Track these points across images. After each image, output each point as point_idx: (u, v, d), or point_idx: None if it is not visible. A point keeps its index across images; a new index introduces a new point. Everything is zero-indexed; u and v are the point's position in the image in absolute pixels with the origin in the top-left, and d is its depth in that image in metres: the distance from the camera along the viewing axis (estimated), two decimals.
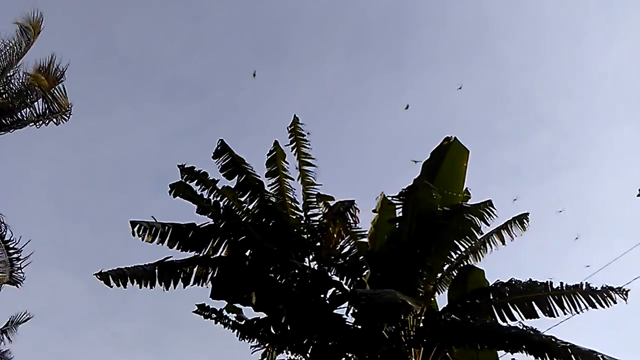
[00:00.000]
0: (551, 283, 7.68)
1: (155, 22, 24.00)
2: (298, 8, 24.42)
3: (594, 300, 7.41)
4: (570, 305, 7.45)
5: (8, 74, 10.40)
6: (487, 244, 8.41)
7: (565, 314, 7.46)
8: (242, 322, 7.71)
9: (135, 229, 7.36)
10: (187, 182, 8.06)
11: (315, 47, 25.86)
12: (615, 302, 7.41)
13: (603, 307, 7.42)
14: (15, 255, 9.27)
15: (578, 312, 7.45)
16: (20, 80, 10.39)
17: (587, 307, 7.42)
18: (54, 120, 10.10)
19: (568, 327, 8.18)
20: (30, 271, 9.69)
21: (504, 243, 8.35)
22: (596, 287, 7.47)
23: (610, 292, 7.41)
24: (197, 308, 8.11)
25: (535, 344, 6.72)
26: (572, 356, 6.63)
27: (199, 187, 8.13)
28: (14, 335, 13.14)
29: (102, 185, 23.64)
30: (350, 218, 8.37)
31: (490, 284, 8.11)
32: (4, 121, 10.62)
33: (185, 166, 8.10)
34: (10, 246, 9.37)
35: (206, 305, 8.09)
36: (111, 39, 23.30)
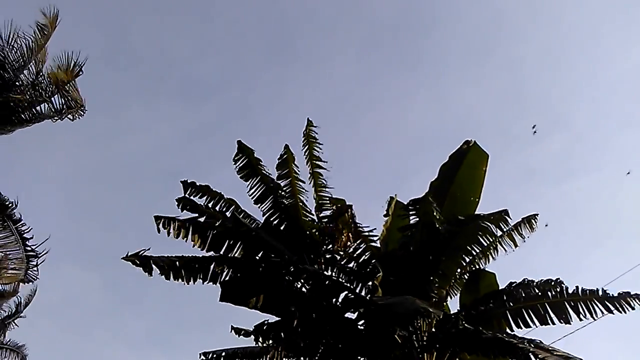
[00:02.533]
0: (566, 288, 7.51)
1: (170, 22, 24.15)
2: (310, 8, 24.37)
3: (611, 306, 7.23)
4: (586, 311, 7.28)
5: (27, 69, 10.52)
6: (498, 246, 8.29)
7: (580, 320, 7.30)
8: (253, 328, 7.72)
9: (160, 224, 7.42)
10: (192, 197, 8.24)
11: (328, 46, 25.80)
12: (633, 309, 7.24)
13: (620, 312, 7.24)
14: (31, 253, 9.34)
15: (595, 319, 7.27)
16: (40, 76, 10.51)
17: (603, 313, 7.24)
18: (70, 116, 10.17)
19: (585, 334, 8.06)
20: (43, 266, 9.81)
21: (515, 245, 8.24)
22: (613, 293, 7.30)
23: (628, 298, 7.23)
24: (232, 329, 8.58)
25: None
26: None
27: (204, 199, 8.31)
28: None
29: (117, 182, 23.89)
30: (350, 220, 8.35)
31: (504, 286, 8.02)
32: (23, 116, 10.76)
33: (188, 181, 8.33)
34: (28, 243, 9.45)
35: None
36: (126, 37, 23.52)
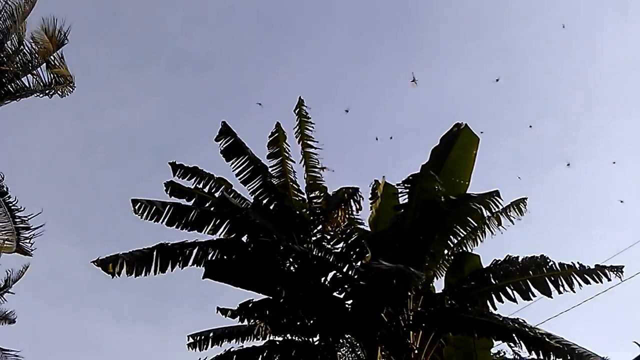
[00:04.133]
0: (547, 259, 7.73)
1: None
2: None
3: (589, 278, 7.47)
4: (565, 283, 7.51)
5: (11, 37, 10.21)
6: (486, 229, 8.44)
7: (559, 292, 7.52)
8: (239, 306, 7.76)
9: (137, 207, 7.37)
10: (181, 178, 8.19)
11: (323, 25, 25.46)
12: (609, 279, 7.47)
13: (597, 282, 7.49)
14: (22, 225, 9.23)
15: (574, 290, 7.52)
16: (22, 44, 10.19)
17: (580, 285, 7.49)
18: (59, 92, 9.94)
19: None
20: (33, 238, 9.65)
21: (500, 224, 8.38)
22: (590, 266, 7.53)
23: (605, 269, 7.47)
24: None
25: (529, 339, 6.75)
26: (568, 355, 6.67)
27: (193, 179, 8.21)
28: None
29: (105, 157, 23.67)
30: (354, 205, 8.34)
31: (489, 265, 8.15)
32: (9, 87, 10.51)
33: (176, 163, 8.25)
34: (17, 215, 9.33)
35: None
36: (116, 9, 22.95)
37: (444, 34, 23.46)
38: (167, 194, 8.21)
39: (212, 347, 8.41)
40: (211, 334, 8.49)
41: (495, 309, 7.69)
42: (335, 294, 7.77)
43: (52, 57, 9.92)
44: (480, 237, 8.50)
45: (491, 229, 8.47)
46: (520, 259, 7.94)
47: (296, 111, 8.69)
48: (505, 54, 23.52)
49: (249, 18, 24.34)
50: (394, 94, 23.46)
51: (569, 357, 6.63)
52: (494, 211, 8.10)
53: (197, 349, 8.37)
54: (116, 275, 6.85)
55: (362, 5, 24.25)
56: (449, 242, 8.11)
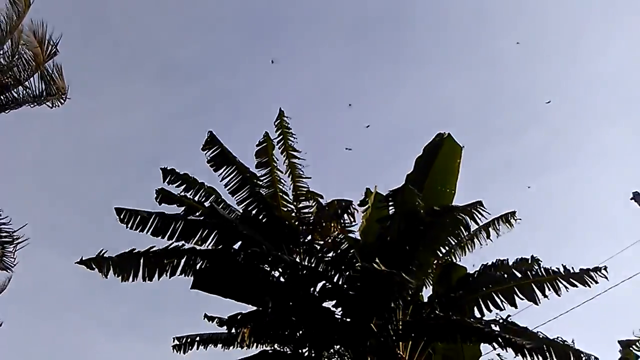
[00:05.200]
0: (537, 260, 8.05)
1: (150, 2, 23.64)
2: None
3: (575, 282, 7.63)
4: (552, 288, 7.65)
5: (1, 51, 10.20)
6: (474, 240, 8.56)
7: (545, 297, 7.66)
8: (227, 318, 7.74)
9: (122, 216, 7.35)
10: (171, 185, 8.16)
11: (313, 36, 25.67)
12: (596, 282, 7.65)
13: (584, 286, 7.65)
14: (7, 240, 9.07)
15: (559, 295, 7.67)
16: (15, 56, 10.17)
17: (567, 289, 7.65)
18: (49, 103, 9.89)
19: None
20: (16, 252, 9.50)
21: (488, 237, 8.52)
22: (575, 270, 7.68)
23: (590, 272, 7.62)
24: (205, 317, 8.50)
25: (516, 344, 6.82)
26: (552, 354, 6.75)
27: (183, 187, 8.21)
28: None
29: (93, 167, 23.43)
30: (348, 217, 8.39)
31: (477, 269, 8.35)
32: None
33: (167, 168, 8.23)
34: (2, 228, 9.19)
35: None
36: (105, 17, 22.92)
37: (433, 44, 23.79)
38: (157, 201, 8.15)
39: (197, 349, 8.34)
40: (197, 338, 8.46)
41: (482, 316, 7.79)
42: (324, 304, 7.81)
43: (44, 67, 9.91)
44: (469, 247, 8.60)
45: (480, 240, 8.59)
46: (510, 262, 8.16)
47: (277, 123, 8.69)
48: (493, 63, 23.82)
49: (239, 28, 24.49)
50: (383, 101, 23.64)
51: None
52: (481, 223, 8.21)
53: (182, 351, 8.33)
54: (103, 275, 6.83)
55: (351, 15, 24.53)
56: (436, 252, 8.20)
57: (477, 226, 8.31)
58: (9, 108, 10.41)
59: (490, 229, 8.50)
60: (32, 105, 10.29)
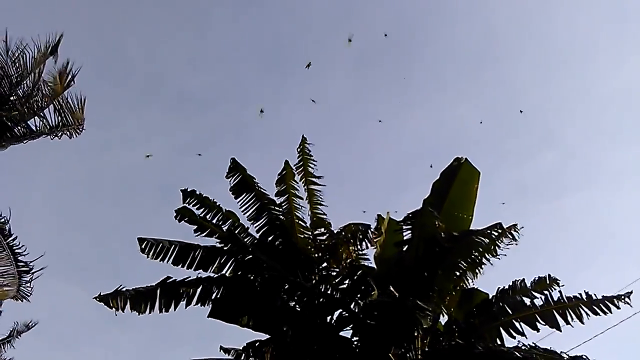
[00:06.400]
0: (554, 279, 7.91)
1: (164, 35, 24.22)
2: (306, 24, 24.64)
3: (597, 309, 7.51)
4: (574, 315, 7.53)
5: (24, 84, 10.42)
6: (483, 259, 8.22)
7: (567, 324, 7.53)
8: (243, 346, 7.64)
9: (143, 246, 7.40)
10: (190, 207, 8.13)
11: (323, 62, 26.01)
12: (618, 308, 7.54)
13: (606, 313, 7.54)
14: (24, 269, 9.13)
15: (582, 322, 7.54)
16: (36, 89, 10.37)
17: (588, 316, 7.52)
18: (67, 133, 10.05)
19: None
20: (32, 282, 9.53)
21: (496, 255, 8.14)
22: (597, 296, 7.56)
23: (613, 299, 7.53)
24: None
25: None
26: None
27: (202, 210, 8.19)
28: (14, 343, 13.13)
29: (108, 196, 23.69)
30: (365, 242, 8.34)
31: (494, 294, 8.16)
32: (16, 131, 10.65)
33: (188, 190, 8.20)
34: (20, 259, 9.25)
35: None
36: (120, 49, 23.53)
37: (444, 68, 23.92)
38: (177, 219, 8.04)
39: None
40: None
41: (503, 342, 7.60)
42: (341, 333, 7.69)
43: (60, 99, 10.08)
44: (480, 269, 8.40)
45: (488, 259, 8.38)
46: (528, 283, 7.98)
47: (299, 149, 8.82)
48: (505, 85, 23.86)
49: (251, 57, 24.93)
50: (394, 127, 23.69)
51: None
52: (502, 247, 8.06)
53: None
54: (120, 310, 6.79)
55: (360, 43, 24.83)
56: (454, 277, 8.06)
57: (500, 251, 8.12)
58: (27, 139, 10.63)
59: (495, 246, 8.27)
60: (51, 138, 10.47)
